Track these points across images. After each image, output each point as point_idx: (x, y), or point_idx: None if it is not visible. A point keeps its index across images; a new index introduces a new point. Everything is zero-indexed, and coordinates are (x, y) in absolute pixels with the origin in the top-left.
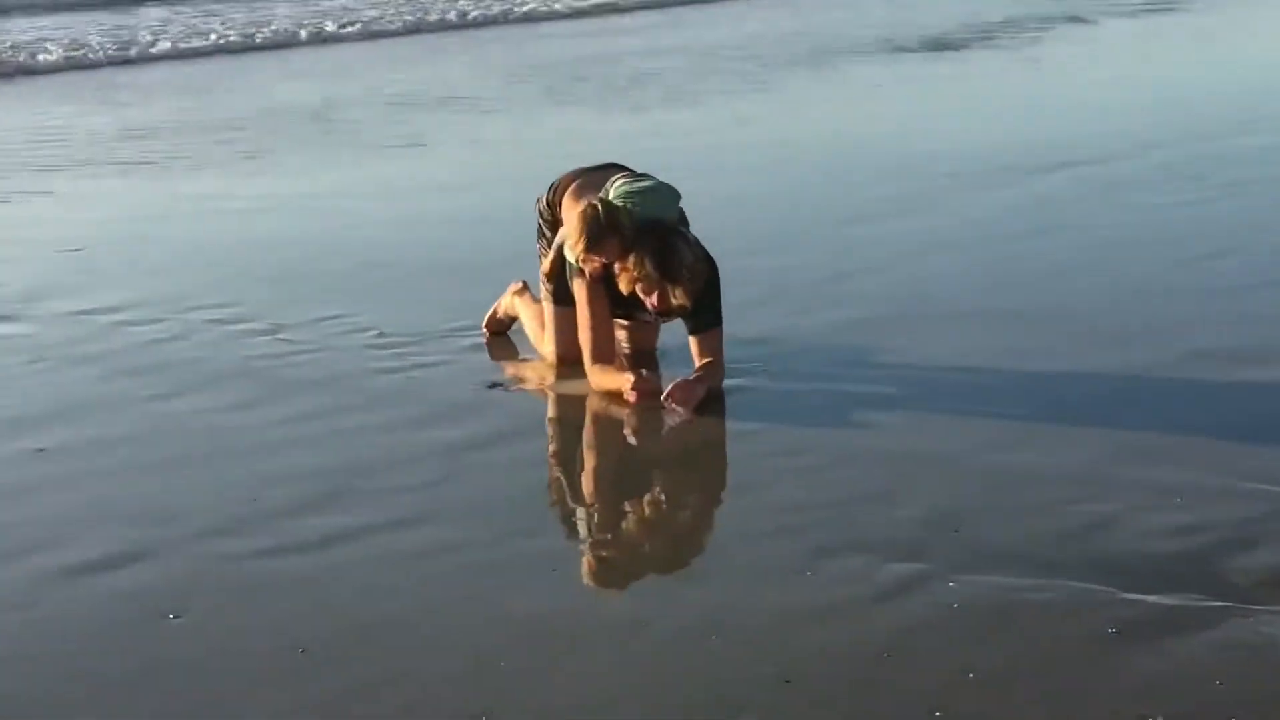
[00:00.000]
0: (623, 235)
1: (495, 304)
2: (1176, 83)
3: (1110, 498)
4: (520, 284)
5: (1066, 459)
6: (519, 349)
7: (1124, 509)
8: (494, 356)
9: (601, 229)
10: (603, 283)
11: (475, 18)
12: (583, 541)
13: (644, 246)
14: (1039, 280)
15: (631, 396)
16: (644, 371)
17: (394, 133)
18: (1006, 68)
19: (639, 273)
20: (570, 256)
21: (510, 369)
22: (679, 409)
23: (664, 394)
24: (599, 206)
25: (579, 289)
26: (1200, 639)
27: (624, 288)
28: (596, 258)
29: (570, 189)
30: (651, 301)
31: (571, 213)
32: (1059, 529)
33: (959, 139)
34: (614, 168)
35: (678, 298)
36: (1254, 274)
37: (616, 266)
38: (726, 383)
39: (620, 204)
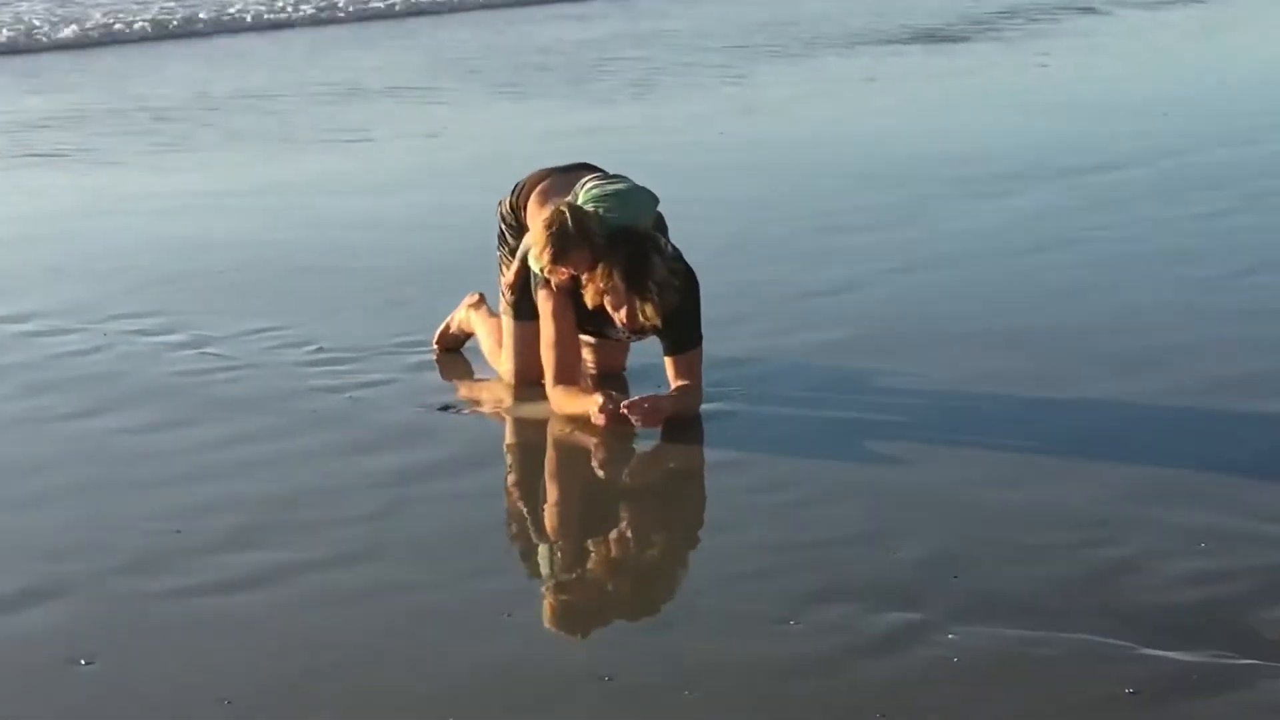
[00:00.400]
0: (593, 244)
1: (449, 318)
2: (1194, 81)
3: (1125, 541)
4: (477, 296)
5: (1075, 498)
6: (473, 368)
7: (1140, 554)
8: (445, 375)
9: (569, 237)
10: (570, 296)
11: (428, 4)
12: (541, 584)
13: (613, 257)
14: (1043, 300)
15: (599, 419)
16: (613, 393)
17: (337, 124)
18: (1007, 62)
19: (606, 285)
20: (535, 266)
21: (463, 389)
22: (637, 423)
23: (625, 404)
24: (567, 213)
25: (543, 301)
26: (1226, 700)
27: (590, 301)
28: (564, 269)
29: (537, 190)
30: (620, 318)
31: (538, 218)
32: (1068, 576)
33: (955, 142)
34: (585, 168)
35: (647, 315)
36: (1279, 295)
37: (584, 278)
38: (702, 408)
39: (591, 209)
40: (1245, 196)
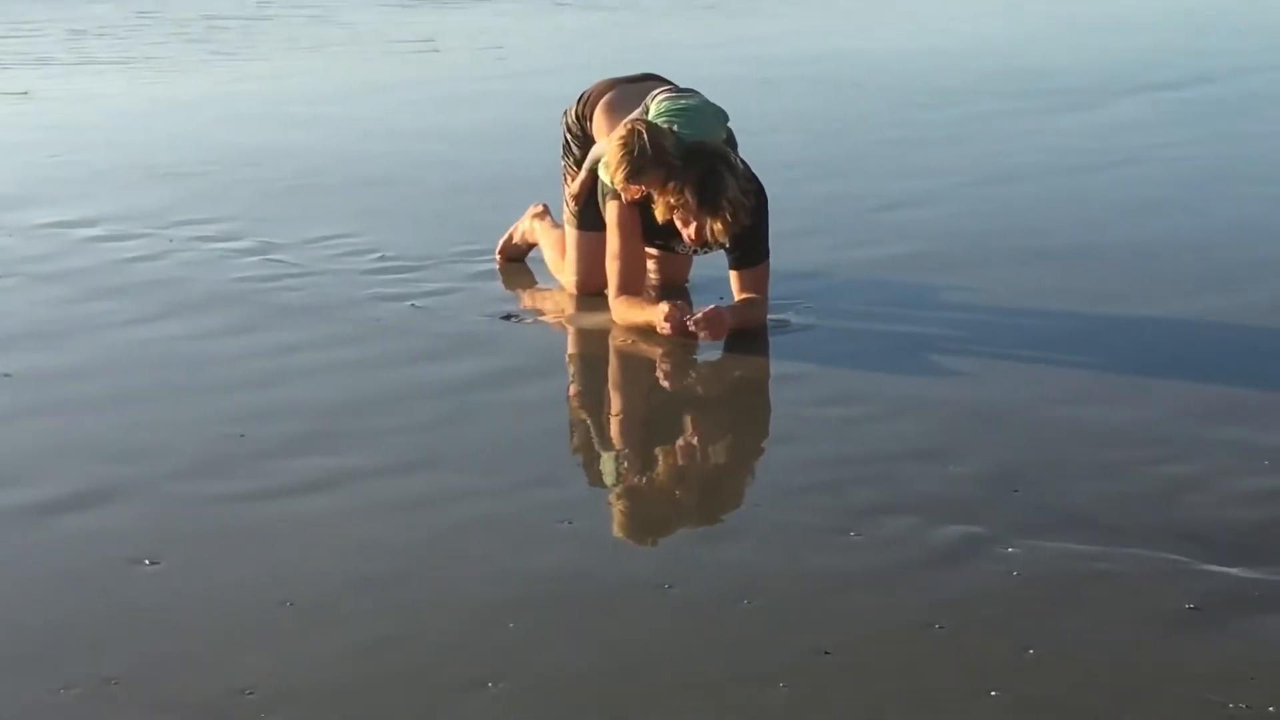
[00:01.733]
0: (668, 163)
1: (512, 227)
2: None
3: (1190, 458)
4: (541, 206)
5: (1141, 414)
6: (536, 277)
7: (1205, 471)
8: (507, 285)
9: (645, 156)
10: (638, 208)
11: None
12: (602, 493)
13: (686, 174)
14: (1115, 216)
15: (665, 329)
16: (680, 302)
17: (402, 33)
18: None
19: (677, 201)
20: (607, 180)
21: (526, 299)
22: (703, 335)
23: (691, 319)
24: (643, 131)
25: (611, 212)
26: None
27: (660, 216)
28: (637, 186)
29: (603, 102)
30: (689, 234)
31: (606, 129)
32: (1131, 492)
33: (1026, 55)
34: (652, 79)
35: (716, 233)
36: None
37: (655, 194)
38: (768, 320)
39: (664, 124)
40: None
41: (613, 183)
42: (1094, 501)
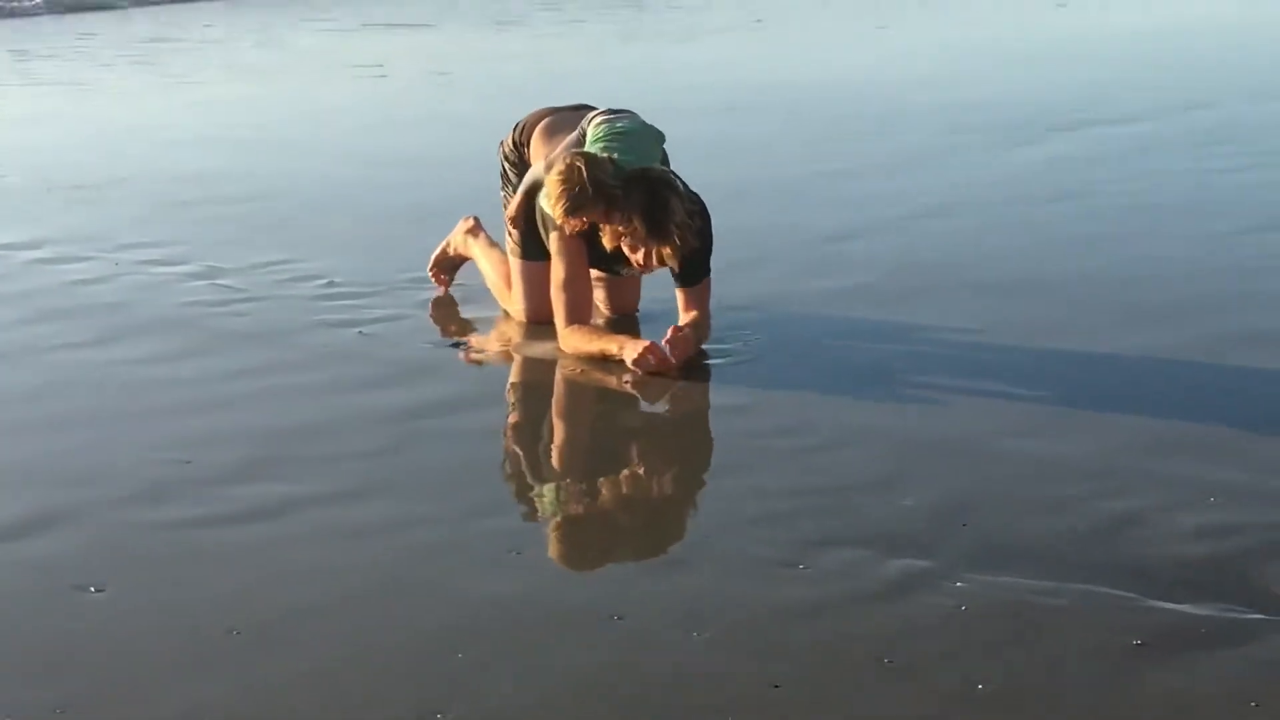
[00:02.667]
0: (608, 194)
1: (444, 241)
2: (1227, 34)
3: (1136, 494)
4: (472, 220)
5: (1088, 449)
6: (482, 304)
7: (1151, 507)
8: (455, 312)
9: (585, 190)
10: (582, 235)
11: None
12: (549, 521)
13: (631, 201)
14: (1060, 250)
15: (637, 365)
16: (648, 342)
17: (350, 57)
18: (1026, 5)
19: (625, 229)
20: (549, 211)
21: (473, 327)
22: (673, 357)
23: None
24: (581, 166)
25: (556, 242)
26: (1233, 654)
27: (608, 243)
28: (579, 220)
29: (540, 126)
30: (637, 259)
31: (544, 153)
32: (1079, 526)
33: (972, 88)
34: (587, 108)
35: (665, 259)
36: None
37: (600, 222)
38: (714, 353)
39: (601, 149)
40: (1270, 153)
41: (554, 216)
42: (1042, 536)
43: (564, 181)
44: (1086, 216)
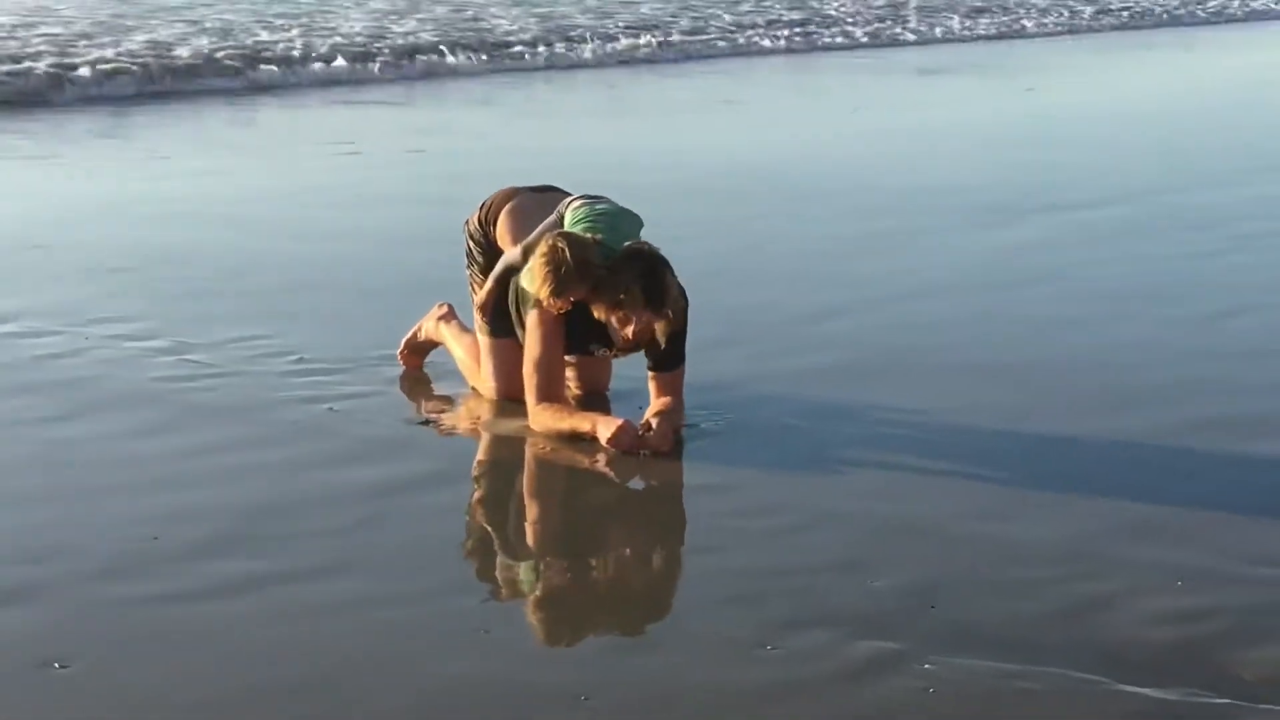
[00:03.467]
0: (593, 274)
1: (416, 326)
2: (1188, 120)
3: (1105, 577)
4: (445, 307)
5: (1058, 532)
6: (454, 382)
7: (1120, 590)
8: (425, 389)
9: (570, 270)
10: (562, 315)
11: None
12: (520, 601)
13: (628, 276)
14: (1028, 334)
15: (611, 444)
16: (626, 420)
17: (322, 133)
18: (995, 93)
19: (626, 298)
20: (531, 291)
21: (443, 404)
22: (661, 451)
23: (646, 436)
24: (564, 246)
25: (533, 320)
26: None
27: (600, 315)
28: (564, 300)
29: (508, 209)
30: (626, 333)
31: (512, 236)
32: (1048, 609)
33: (941, 172)
34: (553, 190)
35: (660, 332)
36: (1265, 337)
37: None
38: (685, 432)
39: (584, 229)
40: (1228, 238)
41: (539, 297)
42: (1010, 619)
43: (549, 263)
44: (1057, 300)
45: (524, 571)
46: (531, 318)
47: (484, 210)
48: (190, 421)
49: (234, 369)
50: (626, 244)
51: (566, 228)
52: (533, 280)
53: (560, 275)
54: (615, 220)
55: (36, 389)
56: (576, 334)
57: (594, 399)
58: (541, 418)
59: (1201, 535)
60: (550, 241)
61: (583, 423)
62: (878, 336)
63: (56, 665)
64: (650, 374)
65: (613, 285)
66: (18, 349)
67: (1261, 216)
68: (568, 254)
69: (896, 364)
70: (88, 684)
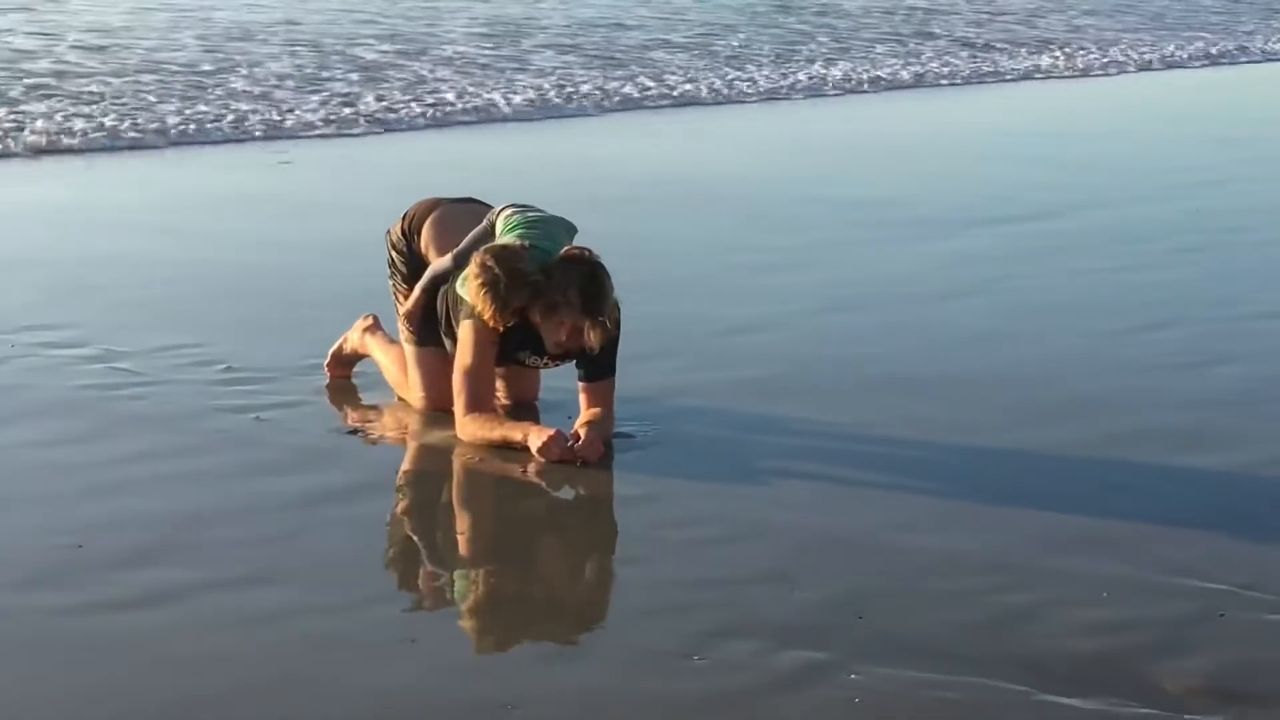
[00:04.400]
0: (529, 282)
1: (341, 339)
2: (1126, 137)
3: (1030, 588)
4: (371, 319)
5: (984, 543)
6: (381, 392)
7: (1045, 601)
8: (352, 399)
9: (506, 285)
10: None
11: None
12: (446, 612)
13: (568, 277)
14: (959, 347)
15: (541, 453)
16: (556, 430)
17: (260, 145)
18: (932, 108)
19: (562, 300)
20: (477, 312)
21: (370, 414)
22: (591, 461)
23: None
24: (493, 263)
25: (466, 330)
26: None
27: (535, 319)
28: (509, 315)
29: (433, 218)
30: (557, 338)
31: (438, 246)
32: (973, 620)
33: (873, 184)
34: (474, 201)
35: (594, 339)
36: (1196, 351)
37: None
38: (615, 442)
39: (517, 237)
40: (1157, 252)
41: (483, 318)
42: (936, 629)
43: (484, 283)
44: (985, 313)
45: (451, 581)
46: (465, 328)
47: (406, 221)
48: (117, 430)
49: (162, 378)
50: (565, 249)
51: (499, 235)
52: (473, 301)
53: (498, 292)
54: (548, 227)
55: None
56: (509, 342)
57: (523, 409)
58: (470, 427)
59: (1128, 547)
60: (480, 260)
61: (514, 432)
62: (804, 349)
63: None
64: (581, 384)
65: (550, 290)
66: None
67: (1201, 230)
68: (498, 269)
69: (822, 377)
70: (10, 695)
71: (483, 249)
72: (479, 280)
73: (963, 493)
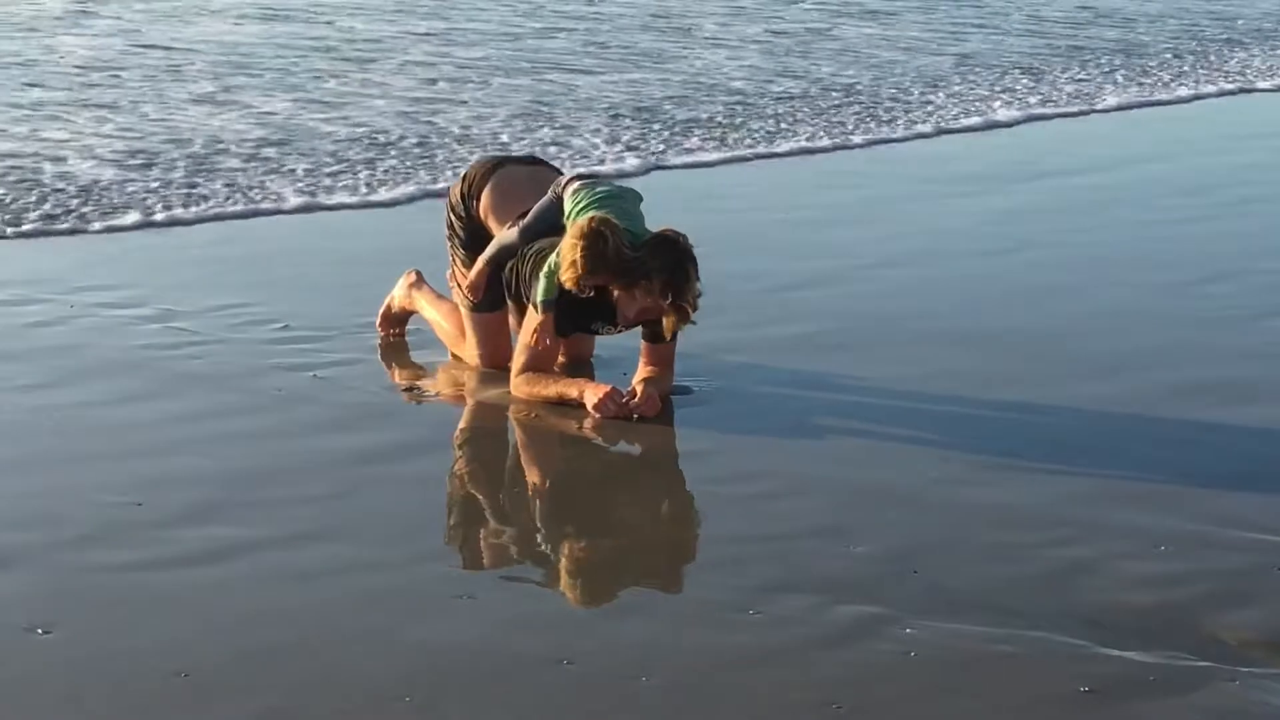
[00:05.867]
0: (626, 262)
1: (388, 298)
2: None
3: (1086, 543)
4: (415, 274)
5: (1039, 498)
6: (435, 349)
7: (1101, 556)
8: (409, 357)
9: (608, 258)
10: (566, 313)
11: None
12: (500, 568)
13: (657, 261)
14: (1015, 301)
15: (597, 410)
16: (611, 387)
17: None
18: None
19: (645, 284)
20: (550, 280)
21: (427, 372)
22: (647, 413)
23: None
24: (610, 234)
25: (542, 321)
26: (1181, 702)
27: (616, 291)
28: (591, 281)
29: (492, 185)
30: (632, 315)
31: (499, 216)
32: (1029, 574)
33: (925, 140)
34: (539, 163)
35: (667, 324)
36: (1251, 303)
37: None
38: (672, 398)
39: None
40: (1222, 205)
41: (564, 279)
42: (991, 583)
43: (590, 246)
44: (1040, 267)
45: (506, 538)
46: (537, 317)
47: (466, 183)
48: (175, 389)
49: (219, 337)
50: (660, 230)
51: (569, 213)
52: (564, 263)
53: (597, 259)
54: (622, 203)
55: (21, 357)
56: (583, 314)
57: (578, 365)
58: (525, 385)
59: (1183, 500)
60: (593, 225)
61: (570, 388)
62: (860, 305)
63: (40, 631)
64: (644, 343)
65: (636, 270)
66: (2, 317)
67: (1256, 182)
68: (609, 242)
69: (878, 332)
70: (72, 649)
71: (594, 216)
72: (585, 244)
73: (1016, 447)
